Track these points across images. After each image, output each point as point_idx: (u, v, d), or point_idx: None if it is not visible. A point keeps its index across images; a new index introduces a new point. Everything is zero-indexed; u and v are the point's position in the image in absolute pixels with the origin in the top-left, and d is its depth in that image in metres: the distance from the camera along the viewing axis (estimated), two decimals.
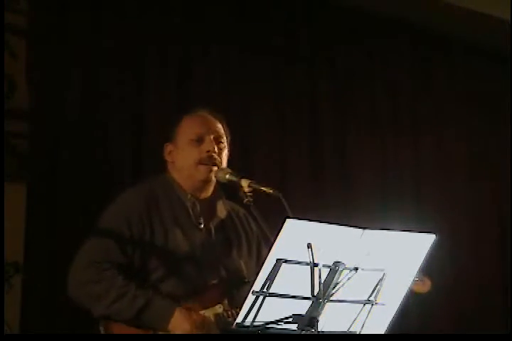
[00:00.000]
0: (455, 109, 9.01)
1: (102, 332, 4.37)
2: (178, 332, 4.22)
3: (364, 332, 3.82)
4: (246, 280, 4.39)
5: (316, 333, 3.61)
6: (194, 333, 4.23)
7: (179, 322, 4.19)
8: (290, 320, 3.60)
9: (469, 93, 9.38)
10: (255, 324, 3.61)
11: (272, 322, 3.61)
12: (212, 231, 4.53)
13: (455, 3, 8.50)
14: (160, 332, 4.27)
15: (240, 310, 3.83)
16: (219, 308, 4.27)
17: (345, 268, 3.56)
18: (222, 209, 4.59)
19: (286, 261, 3.47)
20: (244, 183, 4.26)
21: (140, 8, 6.96)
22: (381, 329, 3.88)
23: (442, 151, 8.80)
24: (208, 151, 4.43)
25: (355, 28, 8.30)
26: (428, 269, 4.01)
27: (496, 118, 9.50)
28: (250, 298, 3.54)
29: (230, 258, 4.53)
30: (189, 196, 4.48)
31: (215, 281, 4.37)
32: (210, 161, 4.44)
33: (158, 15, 7.05)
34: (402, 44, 8.85)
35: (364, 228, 3.61)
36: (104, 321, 4.27)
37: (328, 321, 3.70)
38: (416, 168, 8.41)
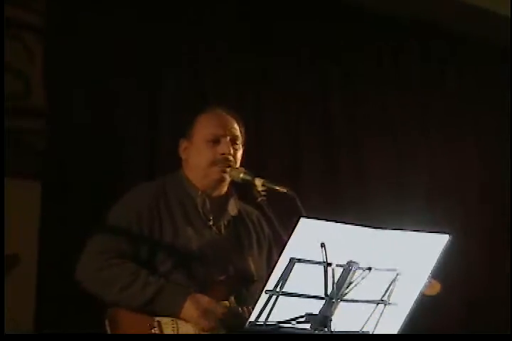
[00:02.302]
0: (465, 107, 9.07)
1: (107, 324, 4.38)
2: (188, 319, 4.27)
3: (377, 332, 3.83)
4: (255, 278, 4.46)
5: (326, 333, 3.60)
6: (203, 322, 4.24)
7: (191, 310, 4.26)
8: (303, 319, 3.61)
9: (479, 92, 9.39)
10: (268, 323, 3.62)
11: (285, 322, 3.62)
12: (222, 228, 4.60)
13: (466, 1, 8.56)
14: (171, 319, 4.30)
15: (247, 308, 4.11)
16: (226, 305, 4.33)
17: (359, 268, 3.56)
18: (233, 208, 4.62)
19: (299, 260, 3.48)
20: (258, 182, 4.31)
21: (154, 7, 7.03)
22: (394, 329, 3.90)
23: (453, 152, 8.84)
24: (223, 154, 4.47)
25: (364, 28, 8.39)
26: (439, 270, 3.99)
27: (505, 117, 9.48)
28: (263, 297, 3.54)
29: (238, 256, 4.59)
30: (199, 193, 4.53)
31: (222, 278, 4.41)
32: (225, 163, 4.50)
33: (171, 14, 7.13)
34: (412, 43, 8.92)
35: (377, 228, 3.63)
36: (113, 310, 4.34)
37: (341, 321, 3.70)
38: (429, 169, 8.50)
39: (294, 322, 3.65)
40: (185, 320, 4.29)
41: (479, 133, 9.36)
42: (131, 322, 4.36)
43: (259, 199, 4.30)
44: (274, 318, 3.63)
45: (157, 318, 4.29)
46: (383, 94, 8.45)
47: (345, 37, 8.31)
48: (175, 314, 4.28)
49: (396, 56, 8.69)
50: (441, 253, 3.85)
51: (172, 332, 4.32)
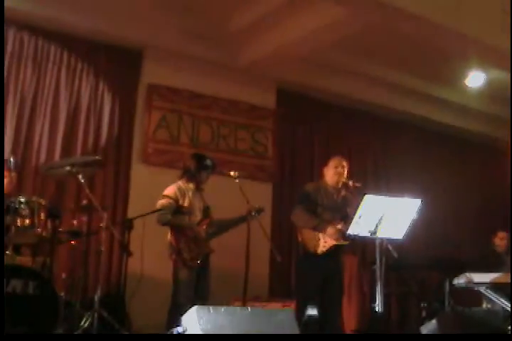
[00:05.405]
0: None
1: (300, 238, 4.84)
2: (329, 234, 4.75)
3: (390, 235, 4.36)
4: (348, 216, 4.72)
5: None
6: (335, 235, 4.72)
7: (330, 230, 4.78)
8: (369, 233, 4.33)
9: (460, 172, 8.78)
10: (353, 234, 4.43)
11: (361, 234, 4.41)
12: (339, 199, 5.02)
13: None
14: (322, 234, 4.73)
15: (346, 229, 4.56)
16: (339, 227, 4.79)
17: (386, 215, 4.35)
18: (343, 193, 5.02)
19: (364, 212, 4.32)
20: (351, 182, 4.97)
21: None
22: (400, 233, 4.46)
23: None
24: (340, 172, 5.01)
25: (373, 128, 8.12)
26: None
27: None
28: (352, 225, 4.39)
29: (343, 208, 4.96)
30: (329, 187, 5.02)
31: (337, 216, 4.89)
32: (341, 174, 5.01)
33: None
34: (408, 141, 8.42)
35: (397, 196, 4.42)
36: (304, 229, 4.88)
37: (382, 231, 4.40)
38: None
39: (363, 234, 4.40)
40: (328, 234, 4.79)
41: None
42: (307, 233, 4.86)
43: (351, 189, 4.97)
44: (356, 232, 4.43)
45: (318, 233, 4.83)
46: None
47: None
48: (324, 231, 4.80)
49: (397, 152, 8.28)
50: (418, 210, 4.40)
51: (322, 239, 4.77)
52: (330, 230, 4.82)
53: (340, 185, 5.08)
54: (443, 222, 8.28)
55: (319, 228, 4.85)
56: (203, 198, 4.96)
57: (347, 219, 4.78)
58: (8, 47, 5.73)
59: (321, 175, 5.22)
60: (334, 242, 4.82)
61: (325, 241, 4.83)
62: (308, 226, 4.89)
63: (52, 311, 3.82)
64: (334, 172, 5.06)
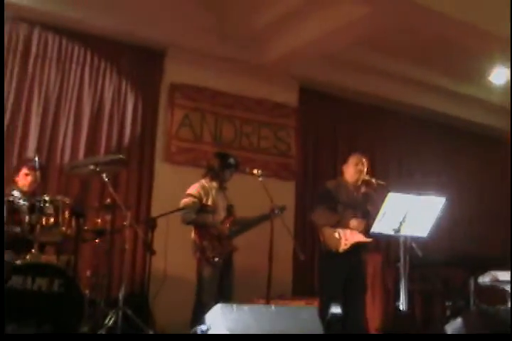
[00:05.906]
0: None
1: (321, 234, 4.81)
2: (352, 228, 4.77)
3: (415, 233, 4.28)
4: (370, 213, 4.79)
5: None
6: (359, 228, 4.74)
7: (353, 224, 4.82)
8: (393, 231, 4.31)
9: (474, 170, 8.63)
10: (377, 232, 4.36)
11: (384, 232, 4.33)
12: (360, 196, 5.00)
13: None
14: (344, 229, 4.73)
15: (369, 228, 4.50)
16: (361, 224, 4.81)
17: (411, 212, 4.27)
18: (363, 189, 5.02)
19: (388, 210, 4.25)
20: (373, 180, 4.96)
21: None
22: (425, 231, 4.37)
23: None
24: (360, 170, 4.99)
25: (396, 125, 8.01)
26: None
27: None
28: (375, 223, 4.30)
29: (364, 204, 4.96)
30: (349, 184, 5.01)
31: (358, 214, 4.92)
32: (361, 172, 4.98)
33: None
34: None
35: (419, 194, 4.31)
36: (324, 228, 4.86)
37: (405, 229, 4.35)
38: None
39: (387, 232, 4.33)
40: (350, 228, 4.80)
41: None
42: (328, 232, 4.86)
43: (374, 187, 4.96)
44: (379, 230, 4.36)
45: (338, 229, 4.83)
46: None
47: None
48: (347, 226, 4.82)
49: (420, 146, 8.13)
50: (442, 208, 4.34)
51: (344, 237, 4.76)
52: (353, 222, 4.83)
53: (360, 182, 5.05)
54: (467, 220, 8.19)
55: (341, 224, 4.84)
56: (227, 196, 4.98)
57: (368, 217, 4.79)
58: (33, 48, 5.79)
59: (341, 173, 5.21)
60: (355, 240, 4.81)
61: (346, 239, 4.82)
62: (330, 224, 4.88)
63: (77, 309, 3.87)
64: (355, 170, 5.04)
